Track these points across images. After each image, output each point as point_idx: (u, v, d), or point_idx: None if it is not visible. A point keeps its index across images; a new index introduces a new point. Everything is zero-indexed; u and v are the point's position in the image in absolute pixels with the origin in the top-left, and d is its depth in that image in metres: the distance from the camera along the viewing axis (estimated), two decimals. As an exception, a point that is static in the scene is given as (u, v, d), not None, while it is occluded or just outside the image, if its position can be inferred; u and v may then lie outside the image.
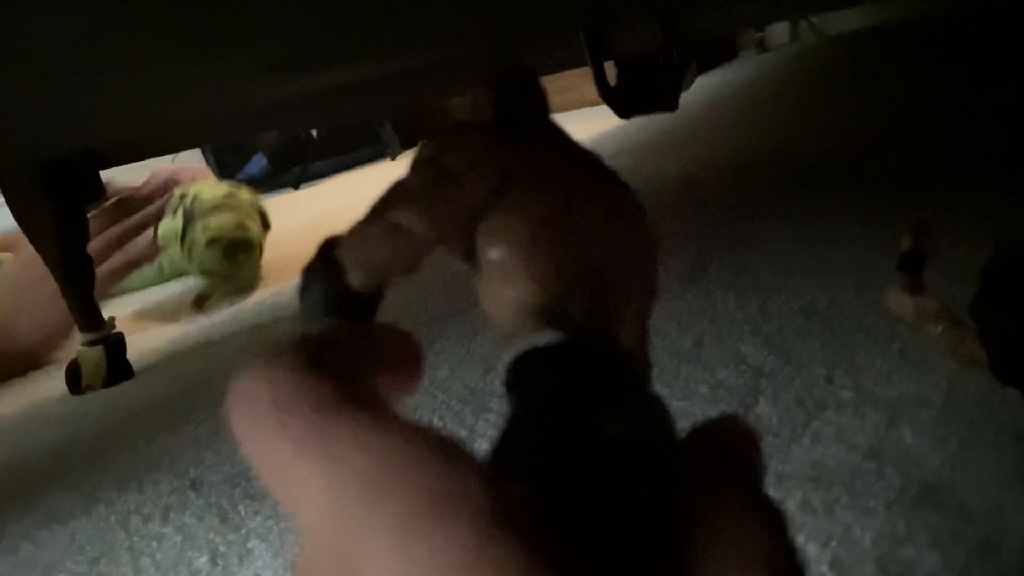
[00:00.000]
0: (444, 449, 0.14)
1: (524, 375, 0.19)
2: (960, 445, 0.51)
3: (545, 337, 0.19)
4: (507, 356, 0.19)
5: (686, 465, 0.17)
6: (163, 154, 1.17)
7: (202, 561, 0.62)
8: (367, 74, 0.71)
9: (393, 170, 2.21)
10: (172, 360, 1.18)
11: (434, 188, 0.19)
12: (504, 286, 0.19)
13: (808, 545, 0.45)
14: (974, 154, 1.03)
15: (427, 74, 0.82)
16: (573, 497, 0.16)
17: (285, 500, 0.15)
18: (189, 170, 1.71)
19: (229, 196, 1.50)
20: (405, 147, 2.62)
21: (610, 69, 0.83)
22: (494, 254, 0.19)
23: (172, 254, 1.51)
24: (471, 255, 0.20)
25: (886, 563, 0.44)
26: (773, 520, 0.16)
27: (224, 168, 2.51)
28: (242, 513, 0.67)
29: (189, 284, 1.58)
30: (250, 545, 0.62)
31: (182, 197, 1.49)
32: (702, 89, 2.20)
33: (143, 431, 0.92)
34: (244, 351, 1.12)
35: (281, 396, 0.15)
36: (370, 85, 0.82)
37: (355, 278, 0.20)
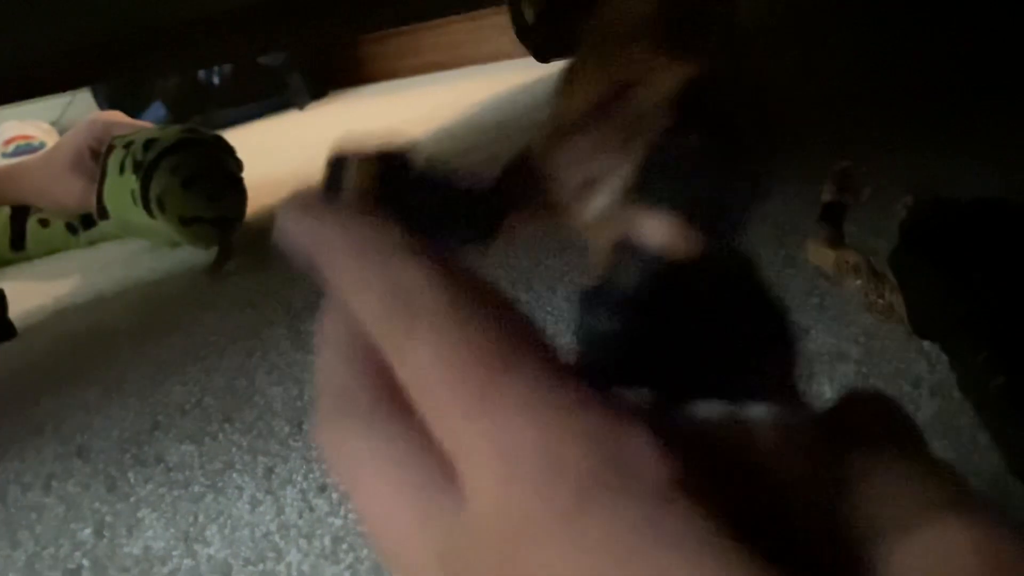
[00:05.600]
0: (612, 415, 0.14)
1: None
2: (878, 399, 0.50)
3: None
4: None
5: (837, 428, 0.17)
6: (43, 94, 1.07)
7: (86, 533, 0.58)
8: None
9: (301, 121, 2.11)
10: (59, 318, 1.10)
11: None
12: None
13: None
14: (893, 106, 1.04)
15: (336, 6, 0.77)
16: None
17: (456, 455, 0.15)
18: (124, 123, 1.38)
19: (190, 131, 1.23)
20: (314, 97, 2.52)
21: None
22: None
23: (126, 217, 1.24)
24: None
25: (806, 519, 0.43)
26: (944, 466, 0.16)
27: (120, 116, 2.37)
28: (131, 481, 0.62)
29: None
30: (140, 515, 0.58)
31: (126, 147, 1.22)
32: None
33: (26, 394, 0.85)
34: (136, 309, 1.05)
35: (448, 349, 0.15)
36: (275, 14, 0.76)
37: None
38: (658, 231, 0.16)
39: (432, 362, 0.15)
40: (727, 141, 0.16)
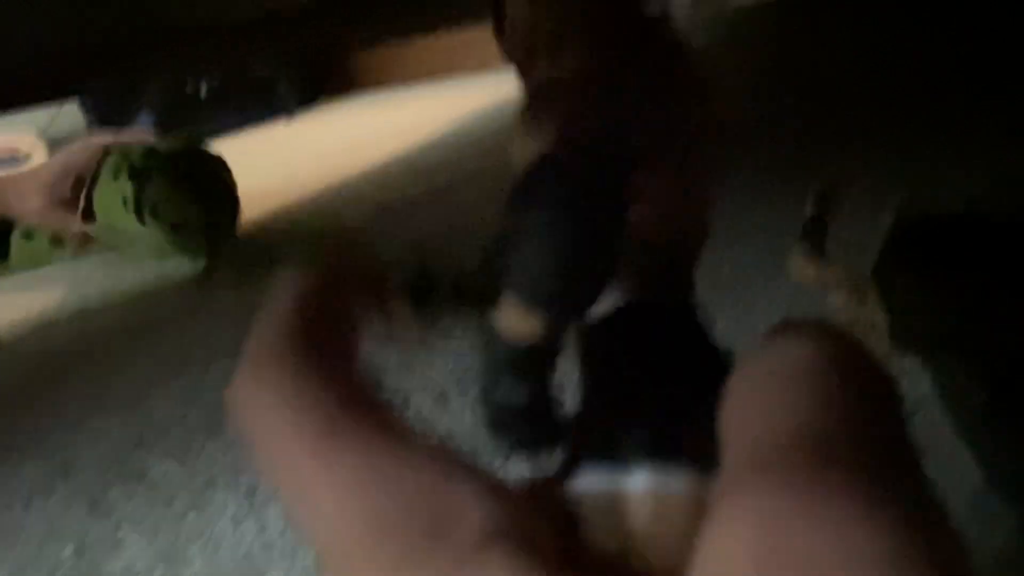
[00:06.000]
0: (446, 471, 0.15)
1: (639, 330, 0.17)
2: (861, 414, 0.50)
3: (664, 291, 0.18)
4: (610, 303, 0.18)
5: None
6: (30, 105, 1.06)
7: (67, 552, 0.57)
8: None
9: (290, 130, 2.10)
10: (43, 331, 1.09)
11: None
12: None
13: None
14: (875, 123, 1.04)
15: (324, 19, 0.77)
16: None
17: (299, 516, 0.16)
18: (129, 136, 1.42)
19: (190, 144, 1.27)
20: (303, 106, 2.51)
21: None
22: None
23: (112, 222, 1.25)
24: None
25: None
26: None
27: (106, 126, 2.36)
28: (113, 499, 0.62)
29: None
30: (120, 534, 0.57)
31: (124, 154, 1.23)
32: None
33: (8, 409, 0.84)
34: (121, 322, 1.05)
35: (291, 403, 0.16)
36: (267, 25, 0.76)
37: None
38: (500, 316, 0.17)
39: (272, 418, 0.16)
40: (562, 219, 0.16)
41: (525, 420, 0.16)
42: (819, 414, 0.14)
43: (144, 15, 0.72)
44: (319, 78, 2.63)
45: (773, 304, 0.65)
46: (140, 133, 1.46)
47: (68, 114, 2.32)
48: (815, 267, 0.55)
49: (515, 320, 0.16)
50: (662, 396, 0.16)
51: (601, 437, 0.16)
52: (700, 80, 0.20)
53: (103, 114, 2.33)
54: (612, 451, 0.16)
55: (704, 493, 0.15)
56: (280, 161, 1.87)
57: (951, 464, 0.45)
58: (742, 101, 1.34)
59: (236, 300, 0.99)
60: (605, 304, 0.18)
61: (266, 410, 0.16)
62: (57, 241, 1.41)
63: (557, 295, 0.15)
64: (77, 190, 1.29)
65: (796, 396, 0.15)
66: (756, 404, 0.15)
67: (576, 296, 0.16)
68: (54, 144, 1.73)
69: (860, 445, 0.14)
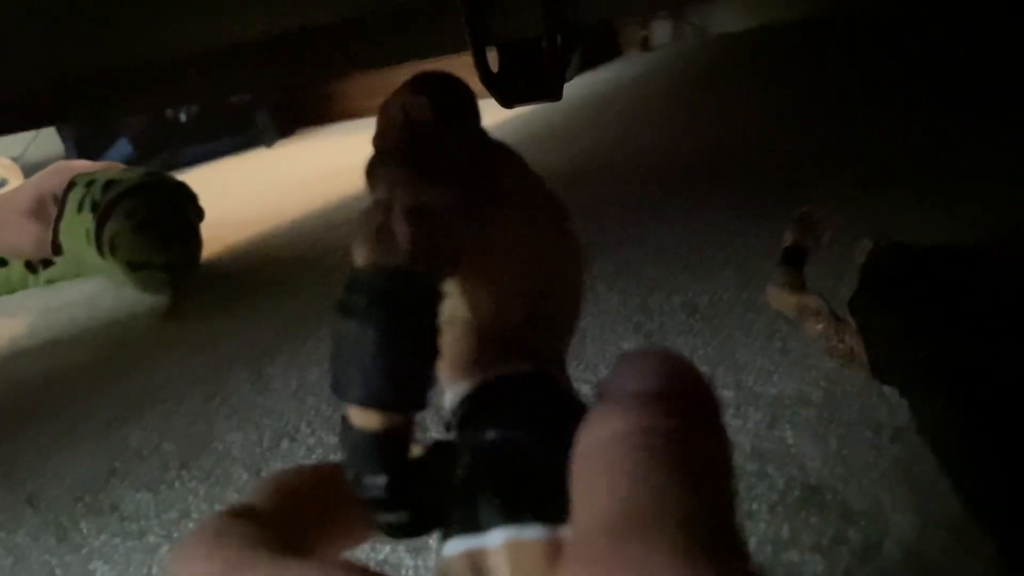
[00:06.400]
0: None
1: (492, 406, 0.19)
2: (840, 444, 0.51)
3: (516, 366, 0.19)
4: (464, 387, 0.19)
5: None
6: (7, 132, 1.05)
7: (34, 586, 0.56)
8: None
9: (268, 158, 2.09)
10: (15, 359, 1.07)
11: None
12: (471, 315, 0.19)
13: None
14: (852, 152, 1.06)
15: (303, 50, 0.77)
16: None
17: None
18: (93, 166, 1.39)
19: (152, 175, 1.24)
20: (282, 135, 2.52)
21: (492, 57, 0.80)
22: (458, 284, 0.20)
23: (78, 254, 1.24)
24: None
25: (770, 568, 0.43)
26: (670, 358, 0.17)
27: (84, 153, 2.34)
28: (84, 531, 0.61)
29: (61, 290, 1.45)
30: (91, 567, 0.56)
31: (88, 185, 1.22)
32: (587, 86, 2.21)
33: (-24, 439, 0.83)
34: (95, 350, 1.03)
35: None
36: (244, 57, 0.76)
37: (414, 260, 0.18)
38: (347, 413, 0.18)
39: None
40: (370, 332, 0.17)
41: (390, 508, 0.18)
42: (648, 489, 0.15)
43: (123, 47, 0.71)
44: (298, 106, 2.63)
45: (752, 334, 0.65)
46: (111, 164, 1.43)
47: (45, 139, 2.31)
48: (793, 296, 0.56)
49: (357, 416, 0.17)
50: (515, 463, 0.18)
51: (462, 512, 0.17)
52: (539, 197, 0.22)
53: (81, 139, 2.32)
54: (471, 522, 0.17)
55: (561, 539, 0.16)
56: (258, 189, 1.87)
57: (932, 494, 0.45)
58: (724, 128, 1.36)
59: (211, 329, 0.99)
60: (460, 389, 0.19)
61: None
62: (32, 267, 1.40)
63: (377, 394, 0.17)
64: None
65: (629, 464, 0.15)
66: (592, 472, 0.16)
67: (399, 392, 0.17)
68: (29, 169, 1.72)
69: (688, 523, 0.14)
